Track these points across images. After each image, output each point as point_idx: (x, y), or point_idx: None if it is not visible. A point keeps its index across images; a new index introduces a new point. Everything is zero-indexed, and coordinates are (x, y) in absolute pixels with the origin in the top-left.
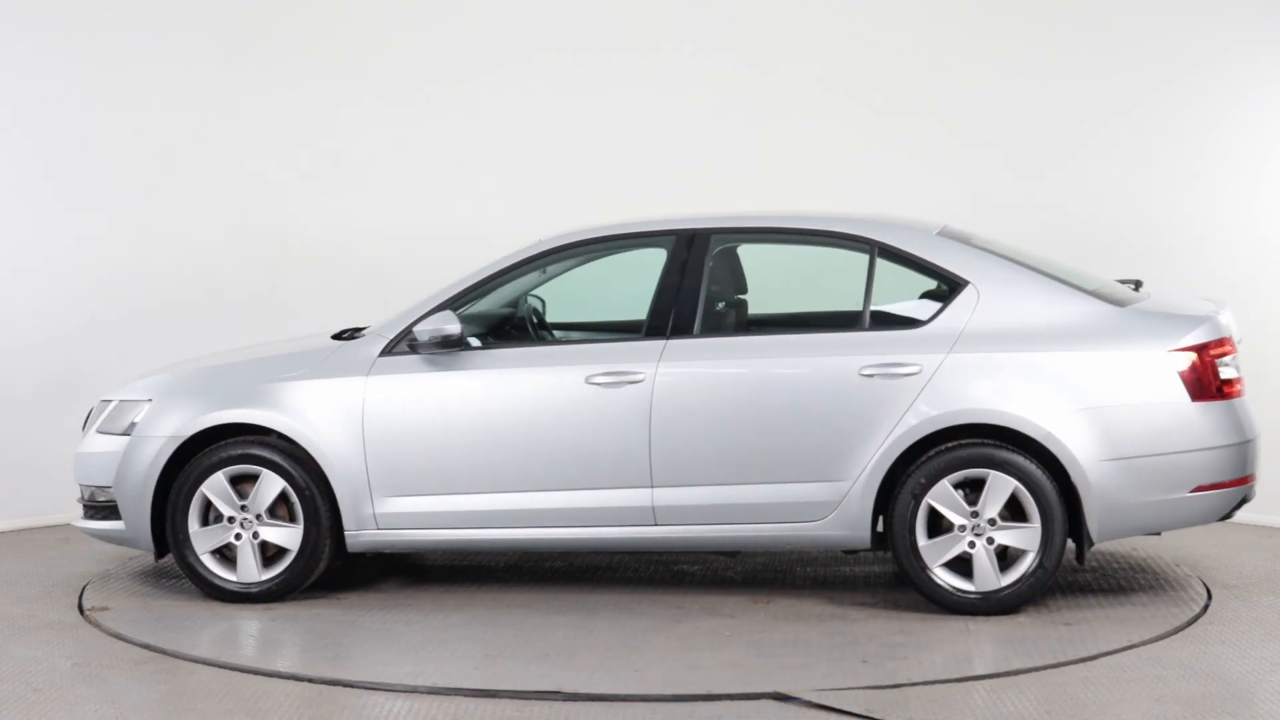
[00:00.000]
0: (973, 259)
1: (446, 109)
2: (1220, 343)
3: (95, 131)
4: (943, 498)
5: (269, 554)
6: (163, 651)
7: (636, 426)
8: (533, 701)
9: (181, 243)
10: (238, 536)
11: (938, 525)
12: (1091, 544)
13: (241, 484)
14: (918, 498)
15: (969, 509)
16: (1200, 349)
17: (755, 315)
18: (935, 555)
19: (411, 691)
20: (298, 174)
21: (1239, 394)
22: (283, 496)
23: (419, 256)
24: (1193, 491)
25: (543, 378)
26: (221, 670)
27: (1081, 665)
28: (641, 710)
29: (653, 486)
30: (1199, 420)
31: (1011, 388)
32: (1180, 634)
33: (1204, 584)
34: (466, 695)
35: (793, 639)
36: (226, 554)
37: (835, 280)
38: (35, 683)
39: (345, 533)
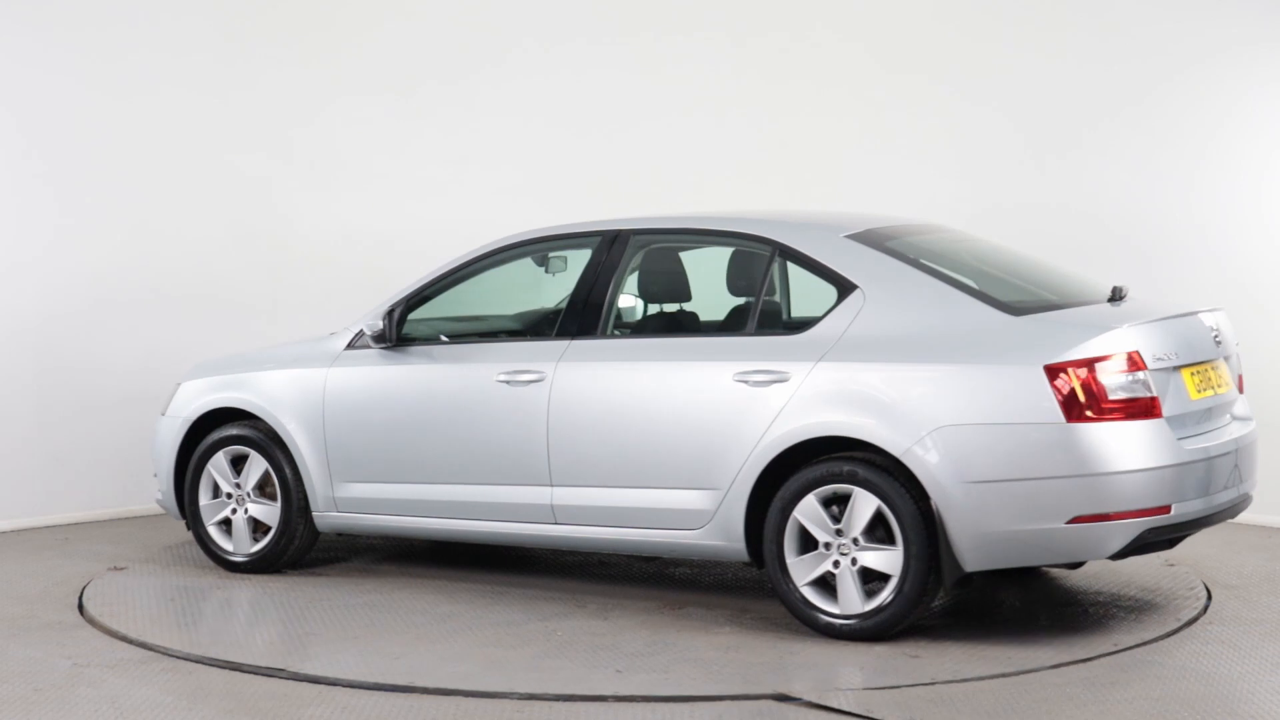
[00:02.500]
0: (867, 262)
1: (445, 105)
2: (1114, 358)
3: (89, 125)
4: (809, 513)
5: (259, 529)
6: (163, 651)
7: (537, 425)
8: (532, 701)
9: (177, 237)
10: (234, 511)
11: (811, 542)
12: (963, 572)
13: (242, 464)
14: (786, 512)
15: (834, 527)
16: (1082, 365)
17: (654, 315)
18: (802, 573)
19: (411, 691)
20: (293, 168)
21: (1150, 415)
22: (269, 476)
23: (418, 253)
24: (1069, 523)
25: (462, 374)
26: (221, 670)
27: (1081, 665)
28: (642, 710)
29: (551, 485)
30: (1076, 444)
31: (875, 400)
32: (1180, 634)
33: (1204, 584)
34: (466, 695)
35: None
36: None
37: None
38: (35, 683)
39: (313, 513)
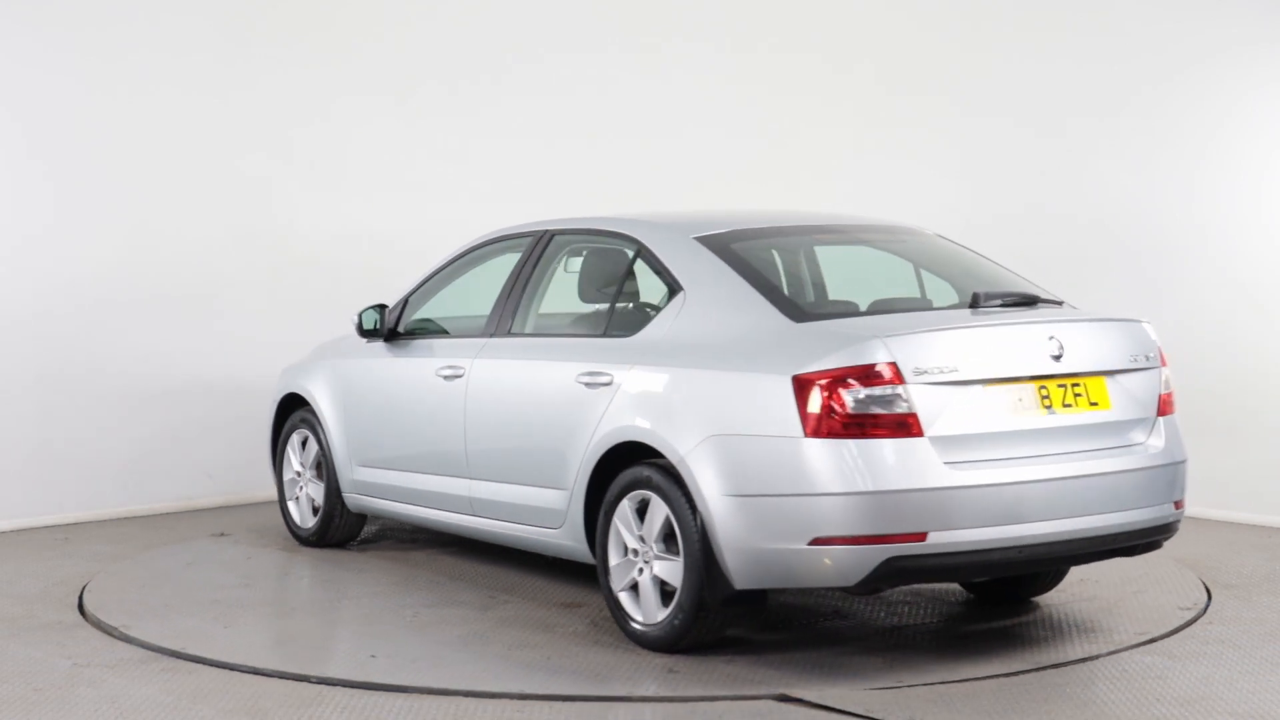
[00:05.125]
0: (698, 264)
1: (445, 105)
2: (862, 371)
3: (89, 125)
4: (623, 518)
5: (315, 508)
6: (163, 651)
7: (458, 419)
8: (533, 701)
9: (177, 237)
10: (300, 489)
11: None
12: (733, 590)
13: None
14: (609, 516)
15: (638, 533)
16: (827, 377)
17: (553, 314)
18: (619, 578)
19: (411, 691)
20: (293, 168)
21: (904, 434)
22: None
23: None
24: (810, 544)
25: (418, 368)
26: (221, 670)
27: (1081, 665)
28: (642, 710)
29: (470, 478)
30: (814, 461)
31: (665, 406)
32: (1180, 634)
33: (1204, 584)
34: (466, 695)
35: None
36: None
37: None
38: (35, 683)
39: (342, 494)
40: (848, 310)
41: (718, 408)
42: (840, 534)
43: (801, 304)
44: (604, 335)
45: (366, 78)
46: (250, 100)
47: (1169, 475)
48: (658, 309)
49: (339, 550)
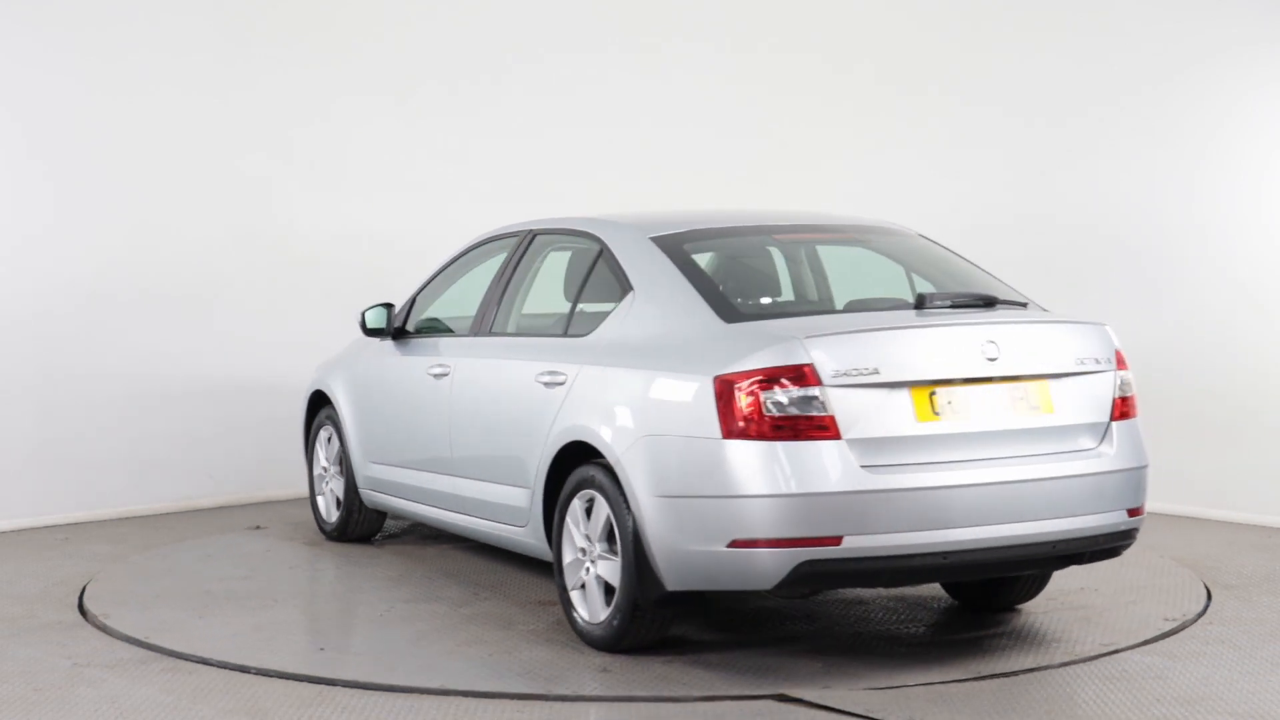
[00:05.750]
0: (650, 265)
1: (445, 105)
2: (777, 372)
3: (89, 125)
4: (574, 517)
5: (339, 503)
6: (163, 651)
7: (445, 417)
8: (533, 701)
9: (177, 237)
10: (326, 485)
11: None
12: (664, 591)
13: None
14: (562, 515)
15: (584, 532)
16: (744, 378)
17: (533, 314)
18: (572, 576)
19: (411, 691)
20: (293, 168)
21: (820, 436)
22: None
23: (418, 253)
24: (729, 546)
25: (413, 366)
26: (221, 670)
27: (1081, 665)
28: (642, 710)
29: (454, 475)
30: (730, 462)
31: (608, 406)
32: (1180, 634)
33: (1204, 584)
34: (466, 695)
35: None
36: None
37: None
38: (35, 683)
39: (359, 490)
40: (782, 310)
41: (651, 408)
42: (756, 537)
43: (736, 305)
44: (564, 335)
45: (366, 78)
46: (250, 100)
47: (1122, 481)
48: (587, 304)
49: (360, 545)
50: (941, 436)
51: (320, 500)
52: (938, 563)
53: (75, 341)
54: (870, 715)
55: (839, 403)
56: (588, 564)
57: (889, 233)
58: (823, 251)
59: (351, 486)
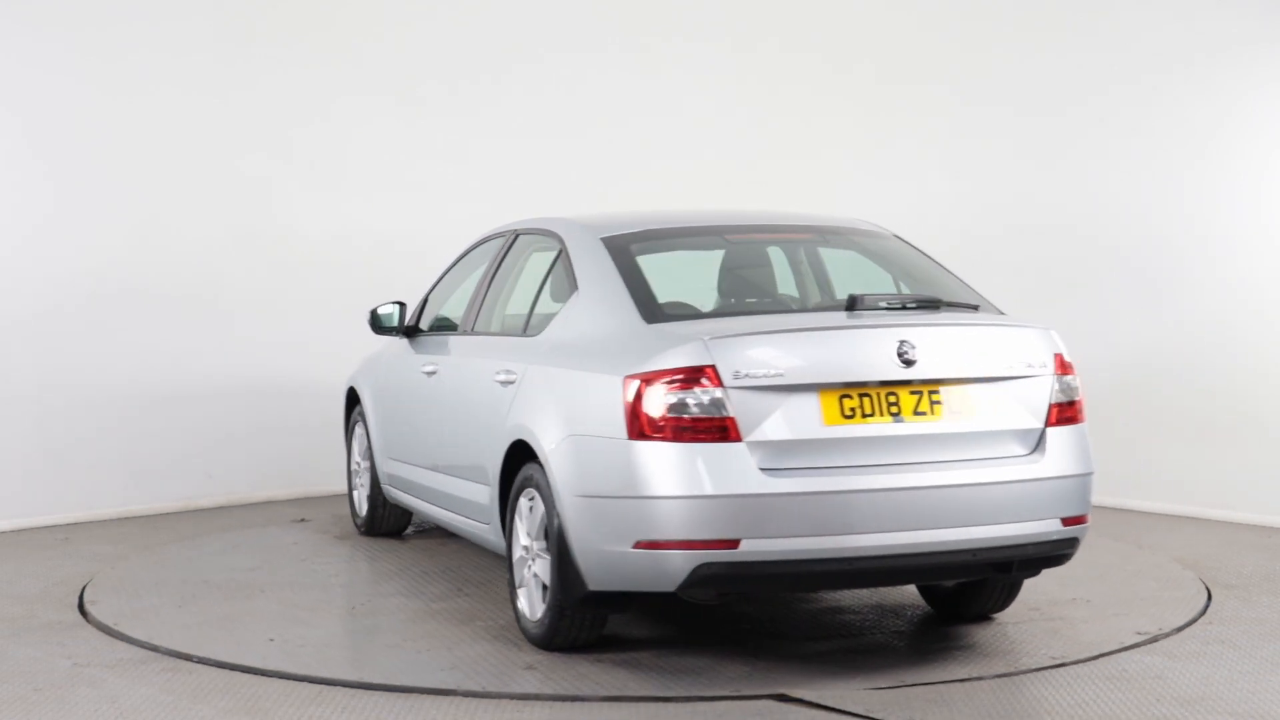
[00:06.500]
0: (595, 265)
1: (445, 105)
2: (677, 373)
3: (89, 125)
4: (521, 515)
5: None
6: (163, 651)
7: (433, 414)
8: (533, 701)
9: (177, 237)
10: (359, 480)
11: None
12: (586, 590)
13: None
14: (511, 512)
15: (527, 530)
16: (648, 379)
17: (513, 314)
18: (519, 573)
19: (411, 691)
20: (293, 168)
21: (720, 438)
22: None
23: (418, 253)
24: (635, 547)
25: (414, 364)
26: (221, 670)
27: (1082, 665)
28: (642, 710)
29: (439, 472)
30: (633, 463)
31: (543, 405)
32: (1180, 634)
33: (1204, 584)
34: (466, 695)
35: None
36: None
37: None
38: (35, 683)
39: (382, 485)
40: (716, 311)
41: (575, 408)
42: (657, 538)
43: (662, 306)
44: (522, 334)
45: (366, 78)
46: (250, 100)
47: (1056, 489)
48: (545, 303)
49: (387, 539)
50: (849, 440)
51: (355, 495)
52: (841, 568)
53: (75, 341)
54: (870, 715)
55: (741, 405)
56: (530, 561)
57: (854, 232)
58: (781, 251)
59: (375, 482)
